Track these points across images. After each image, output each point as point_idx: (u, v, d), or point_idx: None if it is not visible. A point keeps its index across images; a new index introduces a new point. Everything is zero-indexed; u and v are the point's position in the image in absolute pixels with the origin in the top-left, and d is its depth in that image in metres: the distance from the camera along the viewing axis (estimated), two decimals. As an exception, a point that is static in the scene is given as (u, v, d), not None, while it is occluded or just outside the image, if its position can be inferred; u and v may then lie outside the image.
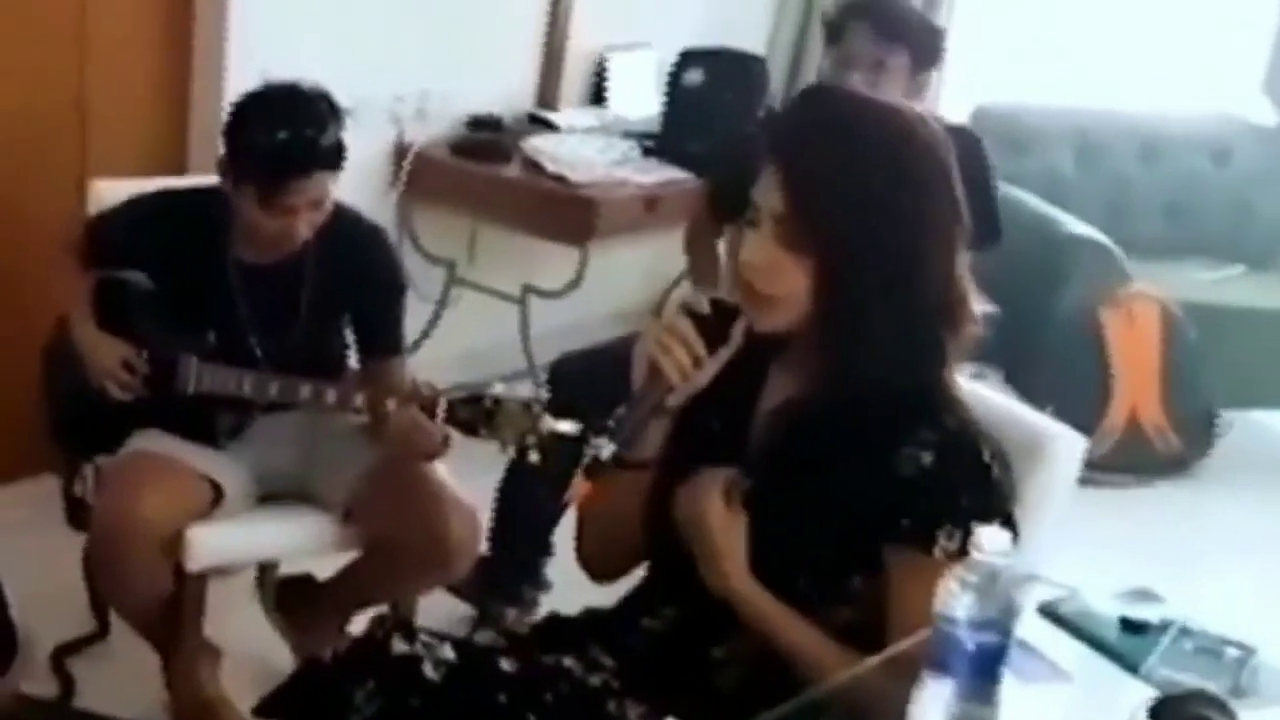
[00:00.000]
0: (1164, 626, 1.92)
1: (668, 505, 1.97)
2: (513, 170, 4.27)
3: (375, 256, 2.98)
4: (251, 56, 3.64)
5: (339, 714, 1.84)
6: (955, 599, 1.52)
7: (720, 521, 1.88)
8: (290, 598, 3.15)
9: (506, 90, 4.60)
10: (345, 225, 2.91)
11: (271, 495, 2.98)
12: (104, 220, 2.95)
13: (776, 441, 1.93)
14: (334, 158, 2.77)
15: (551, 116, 4.57)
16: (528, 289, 4.45)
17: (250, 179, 2.72)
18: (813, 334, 1.86)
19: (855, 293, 1.80)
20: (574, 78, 4.80)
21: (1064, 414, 2.26)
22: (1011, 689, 1.76)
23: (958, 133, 3.82)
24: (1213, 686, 1.77)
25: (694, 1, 5.11)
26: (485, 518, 3.17)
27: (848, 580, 1.86)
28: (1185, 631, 1.91)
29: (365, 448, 2.86)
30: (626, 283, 5.00)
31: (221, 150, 2.81)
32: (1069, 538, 2.11)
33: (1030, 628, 1.91)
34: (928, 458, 1.81)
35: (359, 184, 4.15)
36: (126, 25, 3.72)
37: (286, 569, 3.22)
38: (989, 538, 1.53)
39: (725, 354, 1.92)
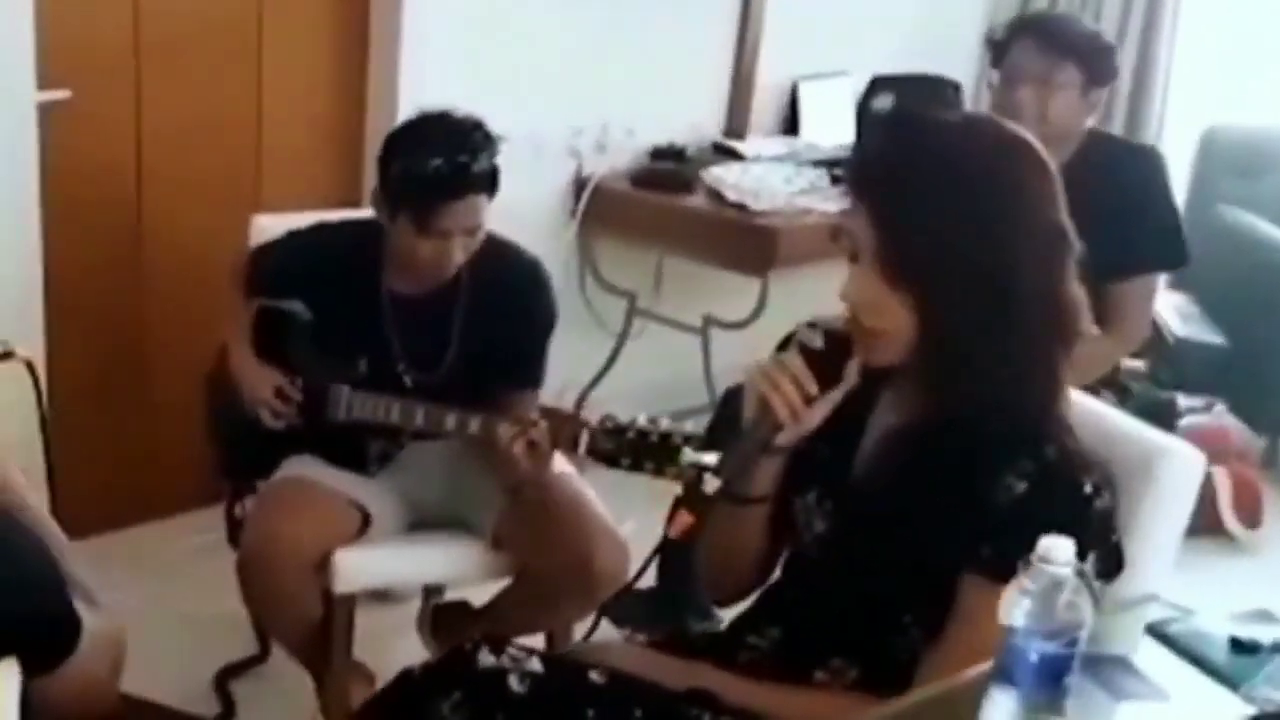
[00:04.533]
0: (1276, 647, 1.90)
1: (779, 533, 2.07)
2: (694, 200, 4.36)
3: (528, 290, 3.08)
4: (425, 91, 3.80)
5: (425, 723, 1.95)
6: (1016, 608, 1.55)
7: None
8: (445, 623, 3.28)
9: (692, 121, 4.70)
10: (499, 257, 3.03)
11: (423, 522, 3.12)
12: (264, 252, 3.14)
13: (880, 469, 1.98)
14: (487, 182, 2.89)
15: (737, 146, 4.65)
16: (709, 320, 4.52)
17: (405, 205, 2.86)
18: (917, 364, 1.91)
19: (955, 323, 1.85)
20: (764, 107, 4.88)
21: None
22: (1103, 705, 1.80)
23: (1139, 153, 3.84)
24: (1314, 708, 1.76)
25: (896, 29, 5.15)
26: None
27: (924, 609, 1.91)
28: (1297, 652, 1.89)
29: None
30: (810, 313, 5.02)
31: (376, 181, 2.96)
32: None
33: (1139, 647, 1.92)
34: (1021, 487, 1.84)
35: (539, 216, 4.36)
36: (302, 62, 3.95)
37: (453, 596, 3.37)
38: (1052, 547, 1.55)
39: (839, 393, 1.97)
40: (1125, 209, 3.48)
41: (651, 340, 4.67)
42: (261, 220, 3.26)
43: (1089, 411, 2.07)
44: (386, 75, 3.99)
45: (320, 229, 3.12)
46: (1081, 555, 1.80)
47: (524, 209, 4.22)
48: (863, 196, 1.90)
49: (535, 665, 2.00)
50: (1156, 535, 2.03)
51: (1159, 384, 4.66)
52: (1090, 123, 3.56)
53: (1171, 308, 5.02)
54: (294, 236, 3.11)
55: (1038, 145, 1.94)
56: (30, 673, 1.52)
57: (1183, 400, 4.64)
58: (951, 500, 1.87)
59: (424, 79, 3.94)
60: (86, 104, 3.53)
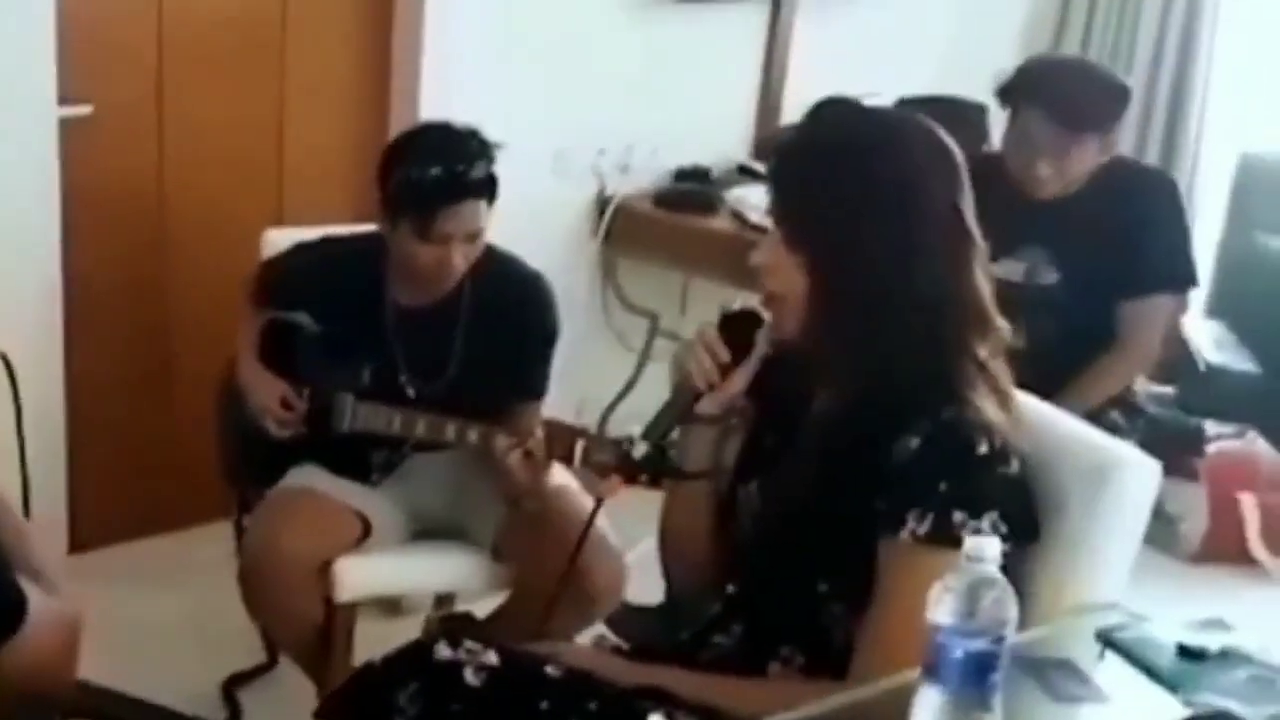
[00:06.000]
0: (1223, 654, 1.94)
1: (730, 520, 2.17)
2: (717, 222, 4.42)
3: (529, 302, 3.16)
4: (447, 107, 3.87)
5: (385, 715, 2.03)
6: (941, 605, 1.60)
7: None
8: (449, 634, 3.34)
9: (718, 141, 4.77)
10: (501, 270, 3.12)
11: (426, 532, 3.20)
12: (271, 265, 3.23)
13: (803, 449, 2.08)
14: (486, 188, 2.97)
15: (762, 167, 4.71)
16: (732, 342, 4.56)
17: (405, 213, 2.95)
18: (819, 338, 2.01)
19: (843, 295, 1.97)
20: (792, 129, 4.93)
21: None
22: (1041, 705, 1.85)
23: (1150, 176, 3.87)
24: (1251, 712, 1.80)
25: (930, 52, 5.19)
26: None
27: (840, 579, 2.00)
28: (1244, 660, 1.92)
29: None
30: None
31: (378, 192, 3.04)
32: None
33: (1086, 651, 1.97)
34: (915, 443, 1.93)
35: (562, 235, 4.44)
36: (325, 77, 4.05)
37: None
38: (976, 545, 1.61)
39: (754, 360, 2.12)
40: (1136, 231, 3.52)
41: (675, 362, 4.72)
42: (273, 234, 3.35)
43: (1043, 417, 2.12)
44: (409, 90, 4.08)
45: (327, 242, 3.21)
46: (978, 514, 1.90)
47: (547, 227, 4.34)
48: (771, 166, 2.10)
49: (491, 659, 2.07)
50: (1110, 543, 2.07)
51: (1187, 410, 4.69)
52: (1105, 156, 3.59)
53: (1206, 334, 5.04)
54: (301, 249, 3.20)
55: (948, 142, 2.04)
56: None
57: (1213, 427, 4.65)
58: (856, 466, 1.97)
59: (447, 95, 4.03)
60: (108, 119, 3.65)
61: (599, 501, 2.39)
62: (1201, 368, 4.83)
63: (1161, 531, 4.57)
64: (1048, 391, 3.20)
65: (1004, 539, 1.90)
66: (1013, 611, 1.60)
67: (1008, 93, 3.58)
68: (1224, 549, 4.52)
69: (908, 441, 1.92)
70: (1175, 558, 4.56)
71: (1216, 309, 5.26)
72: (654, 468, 2.19)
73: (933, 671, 1.60)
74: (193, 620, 3.61)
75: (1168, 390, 4.76)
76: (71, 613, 1.71)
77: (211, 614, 3.39)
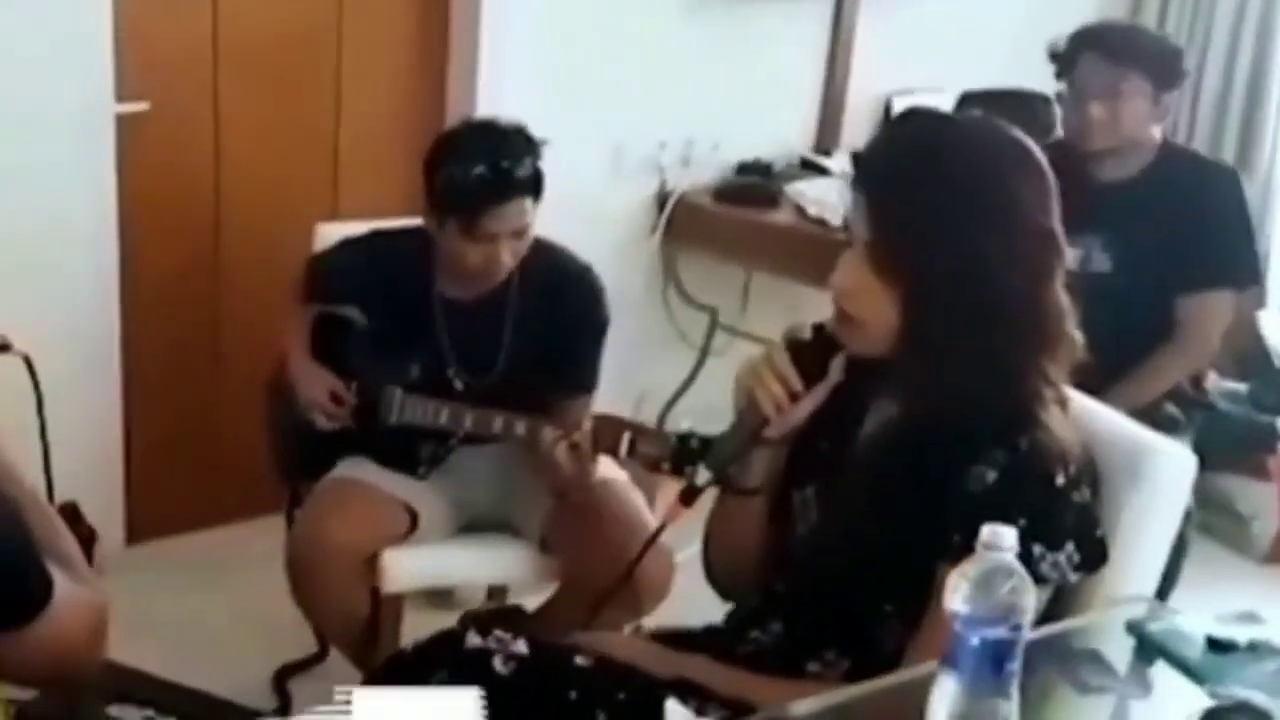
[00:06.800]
0: (1252, 647, 1.92)
1: (780, 527, 2.15)
2: (778, 216, 4.41)
3: (578, 294, 3.17)
4: (503, 102, 3.90)
5: (416, 701, 2.05)
6: (958, 593, 1.60)
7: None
8: (498, 628, 3.36)
9: (781, 136, 4.77)
10: (549, 262, 3.13)
11: (473, 524, 3.23)
12: (320, 259, 3.27)
13: (868, 462, 2.05)
14: (530, 186, 2.98)
15: (824, 161, 4.71)
16: (793, 337, 4.57)
17: (452, 212, 2.97)
18: (903, 359, 1.98)
19: (939, 319, 1.92)
20: (856, 122, 4.92)
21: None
22: (1067, 696, 1.84)
23: (1213, 169, 3.84)
24: (1275, 705, 1.78)
25: (997, 44, 5.16)
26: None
27: (904, 600, 1.98)
28: (1273, 652, 1.90)
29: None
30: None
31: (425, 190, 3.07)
32: None
33: (1116, 644, 1.96)
34: (992, 476, 1.90)
35: (622, 230, 4.45)
36: (381, 73, 4.09)
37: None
38: (993, 534, 1.60)
39: (824, 389, 2.07)
40: (1196, 224, 3.49)
41: (736, 357, 4.70)
42: (325, 228, 3.39)
43: (1080, 409, 2.10)
44: (465, 85, 4.11)
45: (375, 236, 3.24)
46: (1057, 546, 1.88)
47: (607, 222, 4.36)
48: (861, 186, 1.99)
49: (521, 648, 2.09)
50: (1145, 535, 2.06)
51: (1260, 407, 4.62)
52: (1158, 132, 3.58)
53: (1281, 331, 4.98)
54: (349, 244, 3.23)
55: (1036, 151, 2.00)
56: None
57: (1286, 425, 4.60)
58: (928, 491, 1.93)
59: (503, 90, 4.06)
60: (165, 115, 3.70)
61: (662, 525, 2.35)
62: (1277, 365, 4.77)
63: (1233, 531, 4.55)
64: (1102, 382, 3.22)
65: (1076, 569, 1.92)
66: (1030, 600, 1.59)
67: (1061, 55, 3.59)
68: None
69: (984, 472, 1.90)
70: (1248, 558, 4.52)
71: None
72: (724, 493, 2.17)
73: (950, 660, 1.60)
74: (245, 612, 3.65)
75: (1241, 387, 4.71)
76: (99, 599, 1.76)
77: (264, 606, 3.43)
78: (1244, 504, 4.53)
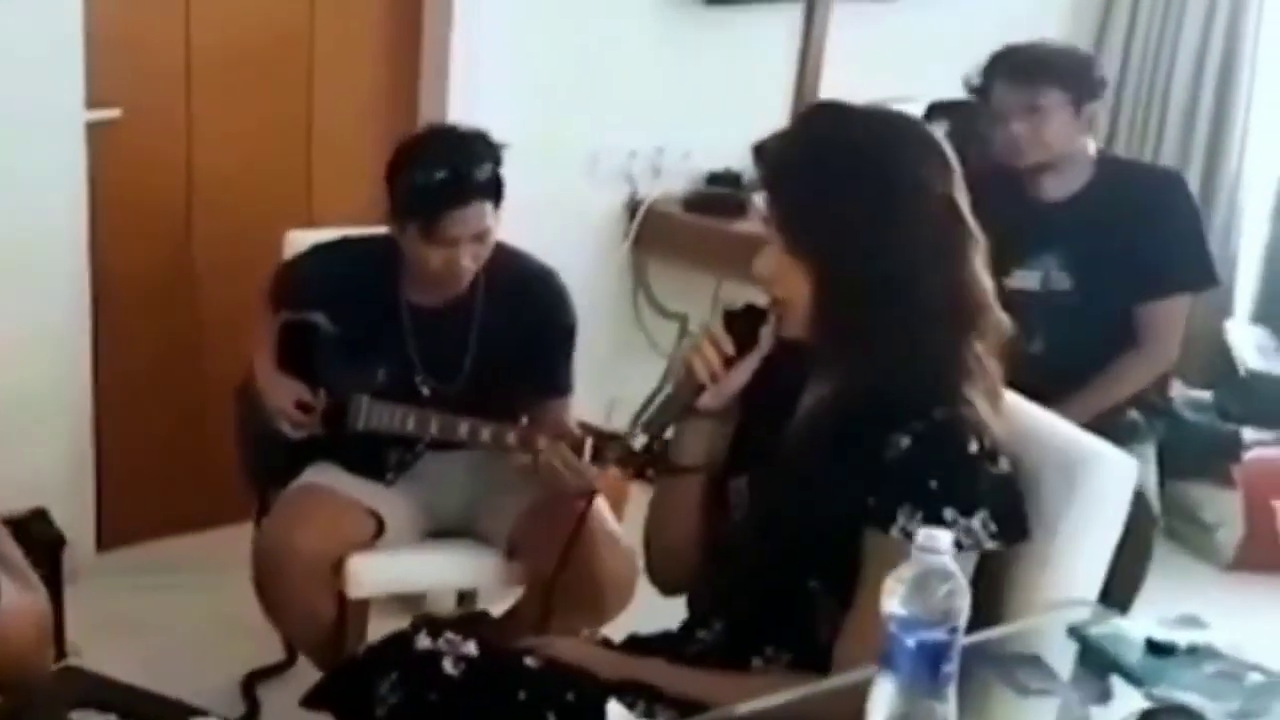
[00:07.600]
0: (1191, 650, 1.97)
1: (716, 518, 2.21)
2: (747, 225, 4.44)
3: (543, 297, 3.21)
4: (476, 110, 3.91)
5: (367, 703, 2.10)
6: (894, 595, 1.65)
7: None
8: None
9: (750, 145, 4.79)
10: (513, 266, 3.17)
11: (440, 530, 3.26)
12: (289, 266, 3.31)
13: (800, 446, 2.11)
14: (491, 189, 3.02)
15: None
16: (762, 346, 4.61)
17: (412, 215, 3.01)
18: (822, 339, 2.06)
19: (849, 297, 2.00)
20: (827, 132, 4.96)
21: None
22: (1005, 698, 1.89)
23: (1158, 175, 3.90)
24: (1212, 707, 1.83)
25: (967, 55, 5.18)
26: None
27: (828, 573, 2.04)
28: (1212, 656, 1.96)
29: (528, 486, 3.07)
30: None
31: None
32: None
33: (1056, 647, 2.01)
34: (906, 442, 1.97)
35: (592, 238, 4.49)
36: (353, 81, 4.13)
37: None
38: (928, 538, 1.65)
39: (756, 357, 2.14)
40: (1148, 232, 3.54)
41: (707, 364, 4.76)
42: (294, 235, 3.43)
43: (1019, 411, 2.16)
44: (437, 93, 4.15)
45: (344, 243, 3.28)
46: (969, 512, 1.94)
47: (578, 230, 4.40)
48: (765, 175, 2.13)
49: (470, 649, 2.13)
50: (1086, 539, 2.10)
51: (1225, 416, 4.69)
52: (1090, 146, 3.63)
53: (1248, 340, 5.04)
54: (317, 251, 3.27)
55: (941, 139, 2.07)
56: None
57: (1251, 434, 4.64)
58: (848, 463, 2.01)
59: (475, 97, 4.09)
60: (137, 122, 3.74)
61: (592, 493, 2.44)
62: (1242, 373, 4.84)
63: (1198, 538, 4.60)
64: (1068, 398, 3.27)
65: (993, 538, 1.97)
66: (965, 602, 1.64)
67: (977, 87, 3.66)
68: (1260, 556, 4.51)
69: (900, 439, 1.96)
70: (1213, 565, 4.57)
71: (1261, 315, 5.26)
72: (650, 459, 2.23)
73: (888, 661, 1.65)
74: (215, 617, 3.68)
75: (1206, 396, 4.77)
76: (42, 605, 1.79)
77: (233, 612, 3.46)
78: (1209, 511, 4.58)
